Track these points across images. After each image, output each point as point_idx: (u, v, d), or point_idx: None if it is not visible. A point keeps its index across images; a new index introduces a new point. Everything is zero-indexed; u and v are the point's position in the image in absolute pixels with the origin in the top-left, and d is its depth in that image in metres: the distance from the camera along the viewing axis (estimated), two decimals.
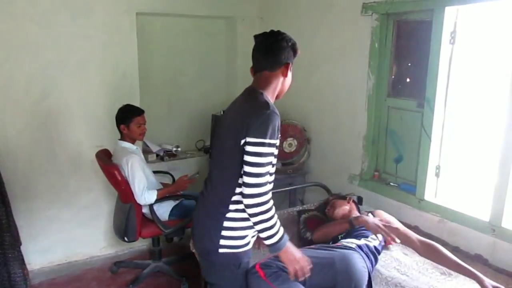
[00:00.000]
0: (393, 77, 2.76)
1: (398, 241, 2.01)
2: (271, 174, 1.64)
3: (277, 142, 1.59)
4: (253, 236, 1.72)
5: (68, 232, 3.23)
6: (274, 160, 1.64)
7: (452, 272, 2.07)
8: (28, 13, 2.84)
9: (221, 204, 1.64)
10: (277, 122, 1.56)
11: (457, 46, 2.31)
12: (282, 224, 1.62)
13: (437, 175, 2.49)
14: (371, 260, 1.99)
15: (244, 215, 1.61)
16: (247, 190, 1.52)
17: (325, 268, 1.78)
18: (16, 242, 2.65)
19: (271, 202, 1.56)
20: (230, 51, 3.87)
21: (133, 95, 3.25)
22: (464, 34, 2.30)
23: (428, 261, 2.18)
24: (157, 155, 3.58)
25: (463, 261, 2.16)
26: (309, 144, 3.31)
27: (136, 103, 3.08)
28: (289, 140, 3.19)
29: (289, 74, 1.73)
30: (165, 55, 3.68)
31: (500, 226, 2.13)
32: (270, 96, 1.68)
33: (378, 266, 2.12)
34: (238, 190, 1.60)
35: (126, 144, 2.83)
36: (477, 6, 2.21)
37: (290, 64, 1.70)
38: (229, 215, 1.63)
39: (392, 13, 2.61)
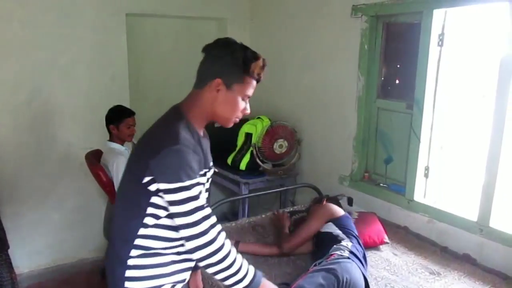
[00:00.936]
0: (382, 78, 2.79)
1: None
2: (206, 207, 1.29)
3: (200, 178, 1.26)
4: (174, 286, 1.37)
5: (57, 235, 3.20)
6: (206, 194, 1.37)
7: (441, 272, 2.09)
8: (16, 14, 2.81)
9: (122, 248, 1.32)
10: (190, 157, 1.22)
11: (445, 48, 2.34)
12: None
13: (426, 175, 2.51)
14: (364, 264, 1.98)
15: (155, 260, 1.31)
16: (190, 244, 1.21)
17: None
18: (3, 245, 2.61)
19: (226, 244, 1.25)
20: None
21: (123, 97, 3.23)
22: (452, 37, 2.33)
23: (418, 261, 2.21)
24: None
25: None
26: (300, 145, 3.32)
27: (126, 105, 3.05)
28: (280, 141, 3.20)
29: (227, 94, 1.31)
30: (156, 57, 3.66)
31: (488, 226, 2.15)
32: (195, 120, 1.35)
33: (368, 266, 2.14)
34: (142, 231, 1.29)
35: (114, 145, 2.81)
36: (465, 9, 2.24)
37: (222, 79, 1.30)
38: (131, 262, 1.30)
39: (381, 15, 2.63)
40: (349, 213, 2.55)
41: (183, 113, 1.34)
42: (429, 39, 2.32)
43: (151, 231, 1.29)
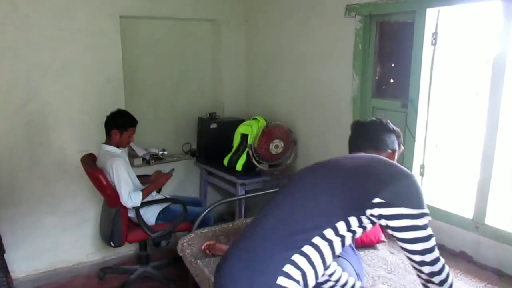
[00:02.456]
0: (377, 78, 2.79)
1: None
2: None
3: None
4: None
5: (53, 238, 3.19)
6: None
7: None
8: (9, 17, 2.80)
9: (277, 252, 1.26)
10: None
11: (439, 47, 2.35)
12: None
13: (421, 174, 2.52)
14: (357, 259, 1.99)
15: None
16: (426, 269, 1.30)
17: None
18: None
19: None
20: (216, 54, 3.87)
21: (118, 99, 3.22)
22: (445, 35, 2.34)
23: None
24: (143, 159, 3.56)
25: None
26: (296, 146, 3.33)
27: (121, 107, 3.05)
28: (276, 141, 3.20)
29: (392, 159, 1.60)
30: (150, 58, 3.65)
31: (484, 224, 2.16)
32: None
33: (365, 265, 2.14)
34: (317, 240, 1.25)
35: (110, 148, 2.80)
36: (458, 7, 2.25)
37: (397, 151, 1.64)
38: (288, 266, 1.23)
39: (375, 15, 2.64)
40: None
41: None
42: (423, 38, 2.33)
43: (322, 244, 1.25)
